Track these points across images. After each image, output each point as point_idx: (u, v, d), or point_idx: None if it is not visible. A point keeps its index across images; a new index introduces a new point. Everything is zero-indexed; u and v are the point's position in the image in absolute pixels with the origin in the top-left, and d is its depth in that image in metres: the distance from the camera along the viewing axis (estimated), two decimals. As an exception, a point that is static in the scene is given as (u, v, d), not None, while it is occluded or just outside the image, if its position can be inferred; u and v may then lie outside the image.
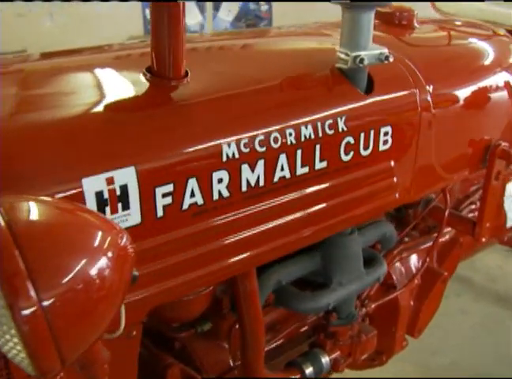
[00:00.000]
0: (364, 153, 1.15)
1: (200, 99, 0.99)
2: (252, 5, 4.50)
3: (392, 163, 1.21)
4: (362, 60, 1.09)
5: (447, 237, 1.72)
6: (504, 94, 1.51)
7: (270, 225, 1.04)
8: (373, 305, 1.45)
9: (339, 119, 1.08)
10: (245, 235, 1.01)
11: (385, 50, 1.12)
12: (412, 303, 1.58)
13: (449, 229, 1.67)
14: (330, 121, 1.07)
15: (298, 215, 1.07)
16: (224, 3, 4.47)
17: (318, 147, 1.06)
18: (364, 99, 1.13)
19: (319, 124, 1.05)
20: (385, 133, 1.17)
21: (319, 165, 1.08)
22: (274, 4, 4.58)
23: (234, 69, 1.14)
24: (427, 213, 1.59)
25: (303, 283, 1.29)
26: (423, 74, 1.26)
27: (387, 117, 1.17)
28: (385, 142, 1.17)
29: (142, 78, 0.98)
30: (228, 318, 1.22)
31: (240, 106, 1.01)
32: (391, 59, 1.12)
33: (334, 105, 1.10)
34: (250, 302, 1.11)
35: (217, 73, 1.11)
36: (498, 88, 1.48)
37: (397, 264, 1.55)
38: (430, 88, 1.26)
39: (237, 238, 1.00)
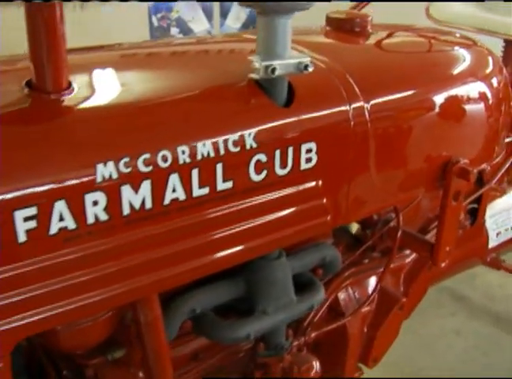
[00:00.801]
0: (281, 172, 1.05)
1: (77, 115, 0.91)
2: (260, 12, 4.42)
3: (319, 183, 1.12)
4: (274, 70, 0.99)
5: (411, 258, 1.61)
6: (475, 107, 1.40)
7: (166, 249, 0.96)
8: (313, 334, 1.35)
9: (247, 135, 0.99)
10: (133, 261, 0.93)
11: (306, 59, 1.02)
12: (365, 330, 1.47)
13: None
14: (235, 137, 0.98)
15: (199, 239, 0.99)
16: (233, 10, 4.41)
17: (219, 166, 0.97)
18: (280, 113, 1.04)
19: (221, 141, 0.96)
20: (308, 150, 1.07)
21: (222, 185, 0.99)
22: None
23: (133, 81, 1.06)
24: (386, 233, 1.48)
25: (231, 310, 1.20)
26: (362, 85, 1.16)
27: (310, 132, 1.07)
28: (309, 160, 1.08)
29: (20, 93, 0.91)
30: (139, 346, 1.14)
31: (123, 122, 0.93)
32: (310, 69, 1.03)
33: (241, 119, 1.01)
34: (152, 332, 1.03)
35: (113, 85, 1.03)
36: (465, 101, 1.37)
37: (348, 289, 1.45)
38: (368, 101, 1.16)
39: (124, 264, 0.92)
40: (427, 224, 1.65)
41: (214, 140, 0.96)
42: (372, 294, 1.41)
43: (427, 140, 1.30)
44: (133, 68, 1.16)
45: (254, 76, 1.02)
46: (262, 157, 1.01)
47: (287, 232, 1.09)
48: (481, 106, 1.40)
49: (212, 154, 0.95)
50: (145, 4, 4.28)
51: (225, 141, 0.96)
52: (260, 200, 1.04)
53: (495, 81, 1.44)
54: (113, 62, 1.17)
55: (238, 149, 0.98)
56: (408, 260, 1.60)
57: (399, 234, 1.38)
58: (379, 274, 1.47)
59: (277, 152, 1.03)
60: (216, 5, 4.39)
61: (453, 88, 1.34)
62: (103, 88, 1.01)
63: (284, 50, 1.01)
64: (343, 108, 1.11)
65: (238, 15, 4.44)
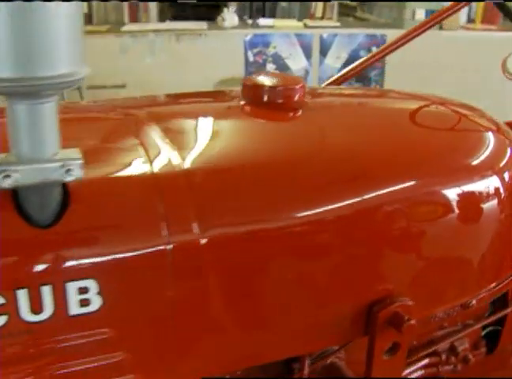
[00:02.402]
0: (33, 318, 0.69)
1: None
2: (363, 53, 4.15)
3: (107, 334, 0.74)
4: (6, 177, 0.63)
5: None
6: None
7: None
8: None
9: None
10: None
11: (76, 163, 0.65)
12: None
13: None
14: None
15: None
16: (333, 48, 4.16)
17: None
18: (35, 236, 0.69)
19: None
20: (84, 290, 0.72)
21: None
22: (388, 52, 4.20)
23: None
24: None
25: None
26: (205, 199, 0.78)
27: (87, 264, 0.71)
28: (86, 303, 0.72)
29: None
30: None
31: None
32: (72, 178, 0.65)
33: None
34: None
35: None
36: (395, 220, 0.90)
37: None
38: (208, 221, 0.77)
39: None
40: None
41: None
42: None
43: (321, 275, 0.86)
44: None
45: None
46: None
47: None
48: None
49: None
50: (242, 38, 4.11)
51: None
52: None
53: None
54: None
55: None
56: None
57: None
58: None
59: (21, 292, 0.68)
60: (315, 43, 4.16)
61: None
62: None
63: (34, 148, 0.65)
64: (152, 232, 0.74)
65: (339, 54, 4.19)
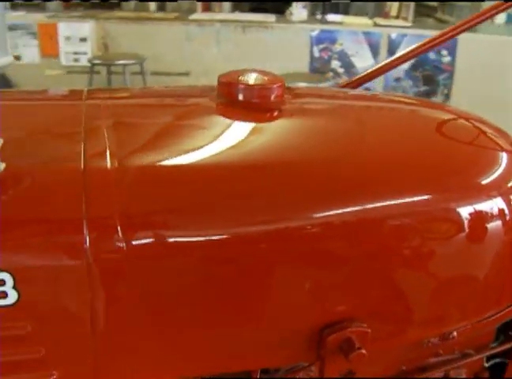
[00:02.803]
0: None
1: None
2: (432, 55, 3.99)
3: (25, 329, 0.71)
4: None
5: None
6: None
7: None
8: None
9: None
10: None
11: None
12: None
13: None
14: None
15: None
16: (401, 49, 4.03)
17: None
18: None
19: None
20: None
21: None
22: (459, 55, 4.02)
23: None
24: None
25: None
26: (131, 199, 0.73)
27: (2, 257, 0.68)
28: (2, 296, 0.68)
29: None
30: None
31: None
32: None
33: None
34: None
35: None
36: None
37: None
38: (131, 223, 0.72)
39: None
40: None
41: None
42: None
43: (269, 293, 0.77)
44: None
45: None
46: None
47: None
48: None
49: None
50: (308, 33, 4.06)
51: None
52: None
53: None
54: None
55: None
56: None
57: None
58: None
59: None
60: (383, 42, 4.05)
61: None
62: None
63: None
64: (72, 235, 0.70)
65: (406, 54, 4.05)
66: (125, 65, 3.81)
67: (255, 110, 0.92)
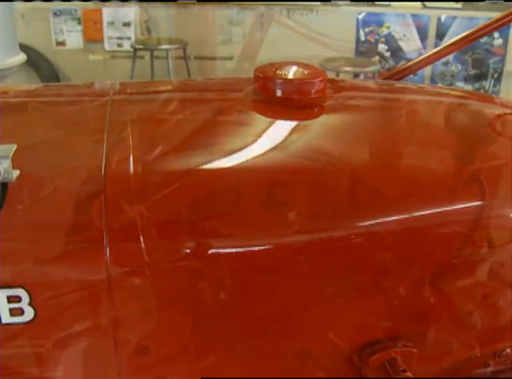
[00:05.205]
0: None
1: None
2: (483, 37, 3.87)
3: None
4: None
5: None
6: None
7: None
8: None
9: None
10: None
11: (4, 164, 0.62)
12: None
13: None
14: None
15: None
16: (451, 32, 3.92)
17: None
18: None
19: None
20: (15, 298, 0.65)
21: None
22: (511, 38, 3.90)
23: None
24: None
25: None
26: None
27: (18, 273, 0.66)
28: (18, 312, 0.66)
29: None
30: None
31: None
32: None
33: None
34: None
35: None
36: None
37: None
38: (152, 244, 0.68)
39: None
40: None
41: None
42: None
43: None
44: None
45: None
46: None
47: None
48: None
49: None
50: (354, 16, 3.97)
51: None
52: None
53: None
54: None
55: None
56: None
57: None
58: None
59: None
60: (432, 25, 3.94)
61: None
62: None
63: None
64: (90, 254, 0.66)
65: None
66: (168, 49, 3.77)
67: (295, 108, 0.85)
